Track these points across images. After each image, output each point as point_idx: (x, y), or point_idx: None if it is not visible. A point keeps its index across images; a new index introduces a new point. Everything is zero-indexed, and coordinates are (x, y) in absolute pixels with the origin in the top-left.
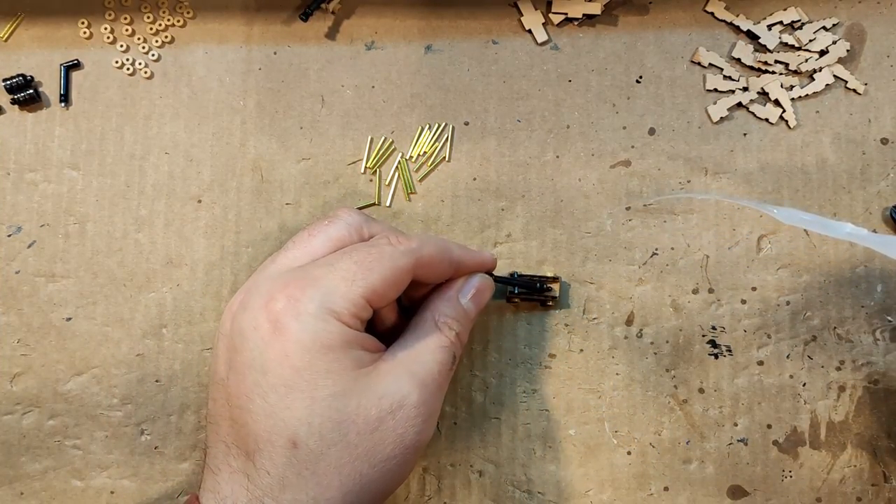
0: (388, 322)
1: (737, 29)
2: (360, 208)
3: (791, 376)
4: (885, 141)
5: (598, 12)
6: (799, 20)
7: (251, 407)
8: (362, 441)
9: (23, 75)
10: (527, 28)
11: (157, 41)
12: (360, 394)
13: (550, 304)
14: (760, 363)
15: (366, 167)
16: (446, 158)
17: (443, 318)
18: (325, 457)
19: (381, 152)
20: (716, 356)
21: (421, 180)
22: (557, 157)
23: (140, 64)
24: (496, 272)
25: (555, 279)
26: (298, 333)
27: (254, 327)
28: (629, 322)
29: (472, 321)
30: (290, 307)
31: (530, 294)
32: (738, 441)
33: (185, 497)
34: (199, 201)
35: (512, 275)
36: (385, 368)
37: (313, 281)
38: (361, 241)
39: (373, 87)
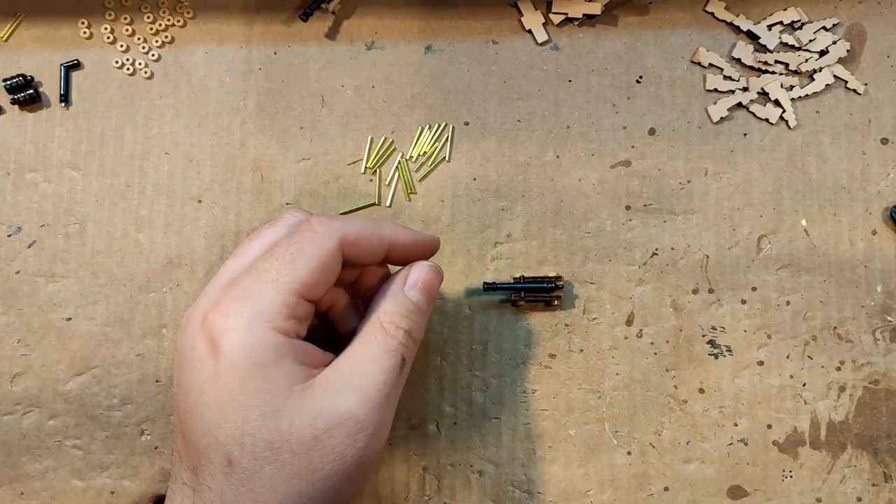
0: (349, 324)
1: (737, 29)
2: (360, 208)
3: (791, 376)
4: (885, 141)
5: (598, 12)
6: (799, 20)
7: (193, 424)
8: (297, 460)
9: (23, 75)
10: (527, 28)
11: (157, 41)
12: (293, 413)
13: (556, 303)
14: (760, 363)
15: (366, 167)
16: (446, 158)
17: (388, 318)
18: (259, 475)
19: (381, 152)
20: (716, 356)
21: (421, 180)
22: (557, 157)
23: (140, 64)
24: (498, 279)
25: (559, 278)
26: (229, 352)
27: (191, 347)
28: (629, 322)
29: (424, 314)
30: (222, 324)
31: (536, 294)
32: (738, 441)
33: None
34: (199, 201)
35: (517, 280)
36: (322, 384)
37: (243, 292)
38: None
39: (373, 87)
